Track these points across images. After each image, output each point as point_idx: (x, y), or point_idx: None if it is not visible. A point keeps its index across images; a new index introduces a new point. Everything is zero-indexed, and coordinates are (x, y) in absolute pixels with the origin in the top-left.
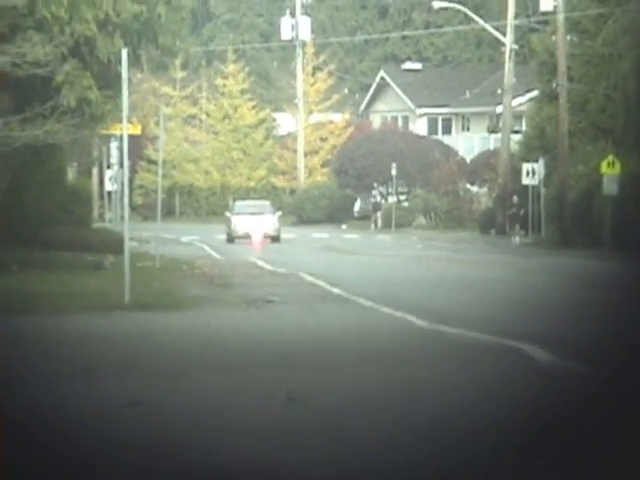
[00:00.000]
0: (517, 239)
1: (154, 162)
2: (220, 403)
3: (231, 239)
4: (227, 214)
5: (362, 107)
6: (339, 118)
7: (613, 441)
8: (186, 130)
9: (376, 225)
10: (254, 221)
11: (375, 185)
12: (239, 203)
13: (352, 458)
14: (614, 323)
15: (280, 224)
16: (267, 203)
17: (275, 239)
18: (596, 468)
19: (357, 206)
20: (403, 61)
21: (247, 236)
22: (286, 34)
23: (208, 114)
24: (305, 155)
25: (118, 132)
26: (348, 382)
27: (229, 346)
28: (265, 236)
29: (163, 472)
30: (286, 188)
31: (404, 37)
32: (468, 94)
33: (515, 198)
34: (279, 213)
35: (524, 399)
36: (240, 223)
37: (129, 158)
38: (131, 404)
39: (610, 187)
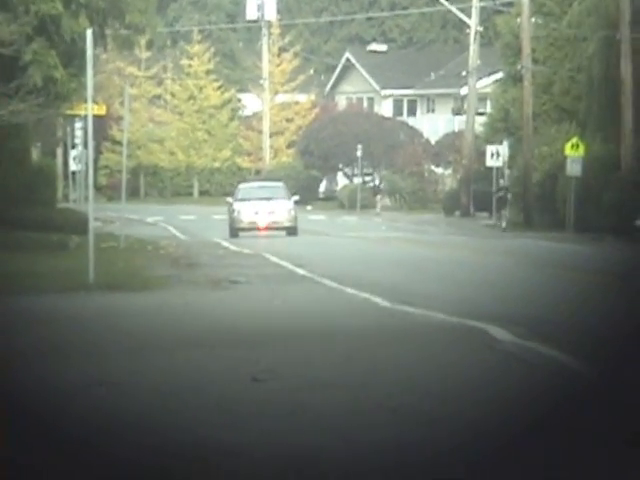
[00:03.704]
0: (504, 223)
1: (119, 143)
2: (184, 383)
3: (234, 232)
4: (228, 200)
5: (328, 88)
6: (305, 99)
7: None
8: (151, 111)
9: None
10: (263, 208)
11: (340, 166)
12: (244, 186)
13: (307, 436)
14: (575, 304)
15: (296, 212)
16: (280, 185)
17: (291, 231)
18: (556, 451)
19: (322, 187)
20: (368, 42)
21: (254, 228)
22: (252, 14)
23: (173, 95)
24: (270, 136)
25: (83, 112)
26: (312, 362)
27: (194, 326)
28: (277, 227)
29: (125, 452)
30: (251, 169)
31: (369, 18)
32: (433, 76)
33: (502, 181)
34: (295, 197)
35: (485, 378)
36: (245, 211)
37: (94, 138)
38: (97, 384)
39: (574, 168)
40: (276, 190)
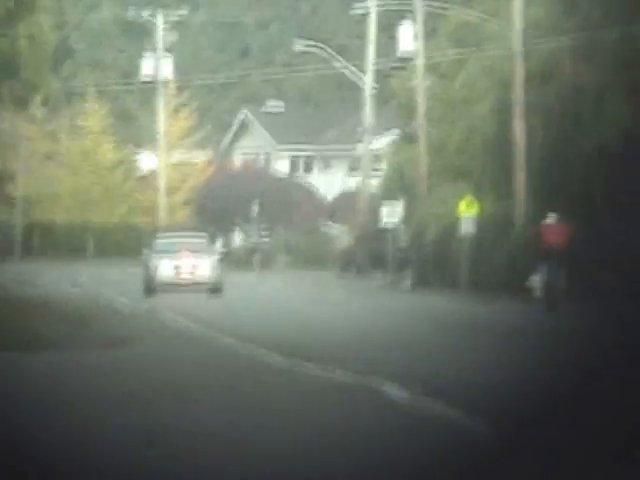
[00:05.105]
0: (408, 282)
1: (13, 199)
2: (76, 440)
3: (150, 289)
4: (145, 252)
5: (224, 145)
6: (201, 156)
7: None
8: (47, 168)
9: (256, 267)
10: (184, 263)
11: (238, 222)
12: (162, 236)
13: None
14: (469, 360)
15: (221, 268)
16: (203, 236)
17: (214, 289)
18: None
19: (219, 245)
20: (265, 99)
21: (174, 286)
22: (147, 72)
23: (69, 152)
24: (167, 194)
25: None
26: (205, 417)
27: (86, 384)
28: (200, 285)
29: None
30: (148, 226)
31: (266, 77)
32: (330, 134)
33: (404, 242)
34: (219, 249)
35: (379, 435)
36: (164, 267)
37: None
38: None
39: (468, 227)
40: (199, 244)
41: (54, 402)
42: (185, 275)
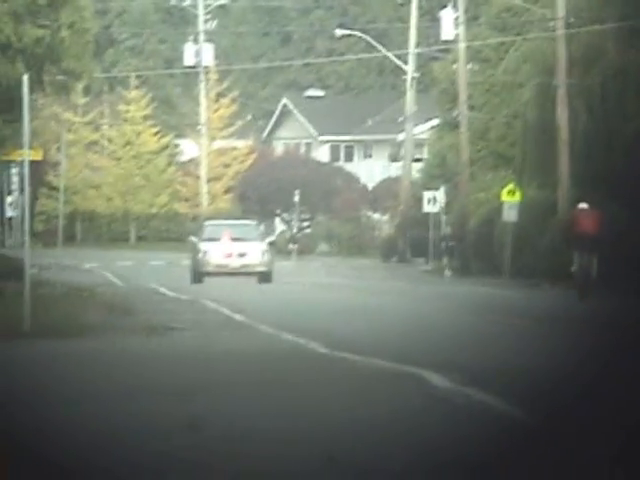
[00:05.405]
0: (450, 270)
1: (55, 188)
2: (119, 430)
3: (199, 276)
4: (192, 239)
5: (265, 134)
6: (242, 144)
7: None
8: (88, 156)
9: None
10: (233, 249)
11: (278, 212)
12: (210, 223)
13: None
14: (512, 349)
15: (273, 255)
16: (252, 223)
17: (264, 277)
18: None
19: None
20: (306, 88)
21: (223, 272)
22: (189, 60)
23: (110, 140)
24: (208, 181)
25: (19, 158)
26: (249, 409)
27: (129, 372)
28: (248, 272)
29: None
30: (189, 214)
31: (307, 64)
32: (370, 122)
33: (448, 229)
34: (270, 238)
35: (421, 423)
36: (212, 253)
37: (30, 184)
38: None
39: (510, 214)
40: (249, 229)
41: (94, 390)
42: (235, 262)
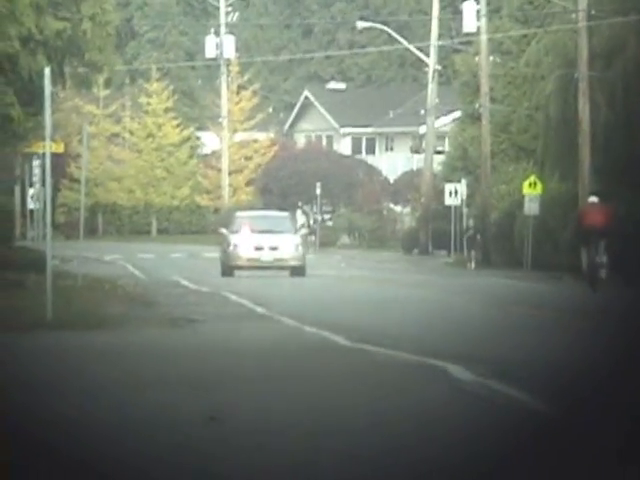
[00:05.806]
0: (472, 264)
1: (77, 180)
2: (138, 421)
3: (229, 270)
4: (222, 231)
5: (287, 126)
6: (264, 137)
7: (535, 459)
8: (109, 148)
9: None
10: (265, 242)
11: (300, 204)
12: (241, 214)
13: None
14: (534, 342)
15: (305, 248)
16: (285, 215)
17: (297, 271)
18: None
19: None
20: (327, 80)
21: (254, 266)
22: (210, 52)
23: (132, 132)
24: (229, 174)
25: (40, 150)
26: (270, 401)
27: (150, 365)
28: (281, 265)
29: None
30: (210, 207)
31: (328, 57)
32: (391, 114)
33: (471, 221)
34: (304, 231)
35: (445, 416)
36: (243, 246)
37: (52, 176)
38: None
39: (531, 207)
40: (281, 221)
41: (114, 381)
42: (266, 255)
